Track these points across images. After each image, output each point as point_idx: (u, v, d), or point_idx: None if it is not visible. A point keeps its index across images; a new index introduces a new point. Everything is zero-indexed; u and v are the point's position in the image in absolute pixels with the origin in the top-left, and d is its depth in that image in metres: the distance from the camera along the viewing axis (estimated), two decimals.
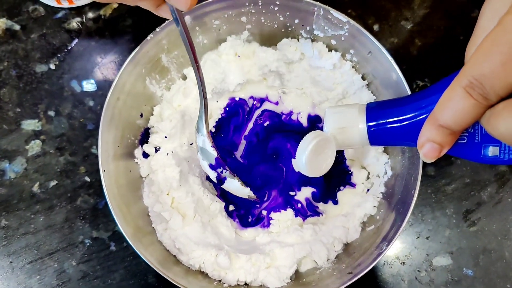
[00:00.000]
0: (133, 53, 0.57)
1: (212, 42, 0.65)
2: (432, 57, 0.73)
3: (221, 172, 0.59)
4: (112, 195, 0.55)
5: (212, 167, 0.59)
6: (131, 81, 0.59)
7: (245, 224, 0.65)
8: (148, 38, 0.58)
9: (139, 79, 0.61)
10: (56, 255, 0.66)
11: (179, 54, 0.64)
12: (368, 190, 0.64)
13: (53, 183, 0.68)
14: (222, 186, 0.61)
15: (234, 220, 0.65)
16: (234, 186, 0.60)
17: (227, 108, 0.68)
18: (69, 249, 0.66)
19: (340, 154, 0.66)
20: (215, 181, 0.60)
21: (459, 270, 0.66)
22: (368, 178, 0.65)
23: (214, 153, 0.58)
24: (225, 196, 0.65)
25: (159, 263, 0.55)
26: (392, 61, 0.56)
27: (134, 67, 0.59)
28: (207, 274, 0.59)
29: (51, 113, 0.70)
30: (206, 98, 0.55)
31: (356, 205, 0.62)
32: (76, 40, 0.72)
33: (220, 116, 0.68)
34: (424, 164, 0.59)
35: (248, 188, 0.61)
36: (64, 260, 0.66)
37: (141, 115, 0.63)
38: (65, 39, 0.72)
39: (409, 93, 0.56)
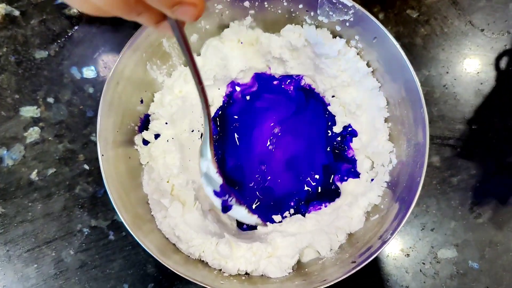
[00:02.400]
0: (133, 37, 0.56)
1: (214, 27, 0.64)
2: (437, 46, 0.71)
3: (227, 200, 0.54)
4: (111, 182, 0.54)
5: (217, 194, 0.54)
6: (131, 66, 0.58)
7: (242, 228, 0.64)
8: None
9: (139, 64, 0.59)
10: (54, 244, 0.65)
11: None
12: (372, 179, 0.63)
13: (51, 170, 0.67)
14: (227, 214, 0.56)
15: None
16: (241, 214, 0.56)
17: (228, 96, 0.66)
18: (67, 237, 0.65)
19: (344, 143, 0.65)
20: (220, 208, 0.55)
21: (465, 262, 0.65)
22: (372, 167, 0.63)
23: (219, 180, 0.53)
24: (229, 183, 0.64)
25: (159, 251, 0.53)
26: (399, 47, 0.55)
27: (134, 51, 0.57)
28: (207, 263, 0.58)
29: (50, 99, 0.69)
30: (211, 121, 0.51)
31: (360, 194, 0.61)
32: (77, 27, 0.71)
33: (221, 104, 0.66)
34: (430, 155, 0.58)
35: (256, 216, 0.57)
36: (62, 249, 0.65)
37: (142, 101, 0.62)
38: (66, 25, 0.71)
39: (416, 80, 0.54)
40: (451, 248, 0.66)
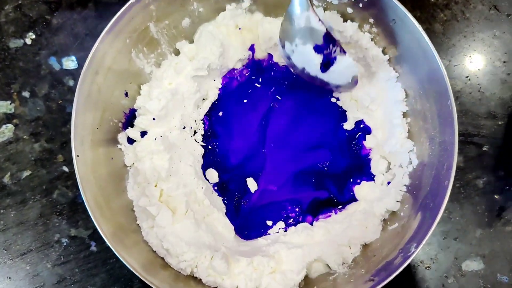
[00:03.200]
0: (114, 19, 0.49)
1: (209, 11, 0.57)
2: (458, 33, 0.64)
3: (331, 51, 0.50)
4: (88, 187, 0.47)
5: (318, 48, 0.50)
6: (112, 54, 0.51)
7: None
8: (133, 0, 0.49)
9: (123, 51, 0.52)
10: (29, 256, 0.58)
11: (171, 25, 0.56)
12: (389, 182, 0.55)
13: (26, 173, 0.60)
14: (325, 73, 0.51)
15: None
16: (345, 64, 0.51)
17: (225, 86, 0.59)
18: (43, 249, 0.59)
19: (357, 140, 0.58)
20: (318, 70, 0.51)
21: (492, 276, 0.58)
22: (389, 168, 0.56)
23: (322, 28, 0.48)
24: (223, 190, 0.57)
25: (143, 267, 0.46)
26: (421, 30, 0.48)
27: (115, 36, 0.50)
28: (200, 280, 0.50)
29: (26, 94, 0.62)
30: None
31: (376, 199, 0.54)
32: (56, 13, 0.64)
33: (216, 98, 0.59)
34: None
35: (357, 69, 0.53)
36: (37, 262, 0.58)
37: (126, 94, 0.55)
38: (44, 11, 0.64)
39: (443, 69, 0.47)
40: (477, 259, 0.59)
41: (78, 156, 0.47)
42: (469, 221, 0.59)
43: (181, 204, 0.53)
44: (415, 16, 0.64)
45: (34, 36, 0.63)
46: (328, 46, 0.49)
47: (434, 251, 0.59)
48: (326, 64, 0.51)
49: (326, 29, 0.48)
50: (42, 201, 0.60)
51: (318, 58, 0.50)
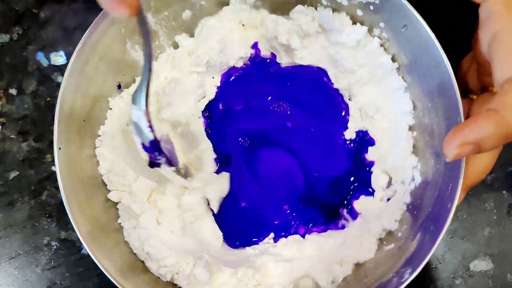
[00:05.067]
0: None
1: (212, 4, 0.54)
2: None
3: (155, 156, 0.47)
4: (67, 180, 0.45)
5: (145, 148, 0.46)
6: (106, 42, 0.48)
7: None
8: None
9: (117, 41, 0.50)
10: (17, 260, 0.57)
11: (170, 16, 0.53)
12: (388, 199, 0.52)
13: (13, 174, 0.58)
14: (152, 168, 0.48)
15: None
16: (169, 173, 0.49)
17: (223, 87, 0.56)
18: (32, 253, 0.57)
19: (357, 151, 0.55)
20: (145, 161, 0.47)
21: (502, 276, 0.56)
22: (389, 184, 0.53)
23: (150, 135, 0.45)
24: None
25: (120, 270, 0.44)
26: (434, 39, 0.44)
27: (110, 24, 0.48)
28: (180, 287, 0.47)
29: (13, 91, 0.60)
30: (152, 60, 0.43)
31: (373, 216, 0.51)
32: (44, 6, 0.61)
33: (214, 96, 0.56)
34: None
35: (183, 179, 0.49)
36: (26, 266, 0.57)
37: (119, 86, 0.53)
38: (31, 4, 0.62)
39: (454, 83, 0.43)
40: (486, 259, 0.57)
41: (60, 148, 0.45)
42: (477, 219, 0.57)
43: (170, 204, 0.50)
44: (432, 19, 0.60)
45: (20, 31, 0.61)
46: (153, 152, 0.46)
47: (440, 251, 0.57)
48: (152, 164, 0.47)
49: (154, 138, 0.45)
50: (31, 202, 0.58)
51: (145, 155, 0.46)
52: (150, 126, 0.44)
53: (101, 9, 0.52)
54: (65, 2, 0.61)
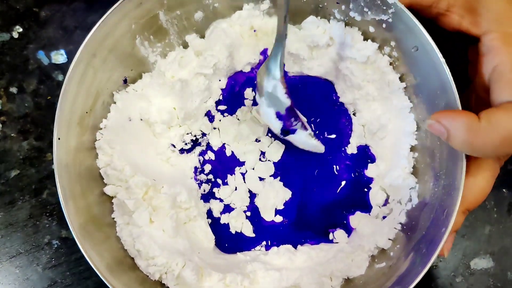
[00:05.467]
0: (121, 0, 0.46)
1: (225, 7, 0.54)
2: None
3: (292, 123, 0.49)
4: (64, 171, 0.45)
5: (280, 116, 0.49)
6: (115, 36, 0.48)
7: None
8: None
9: (126, 36, 0.50)
10: (18, 259, 0.56)
11: (182, 16, 0.53)
12: (384, 217, 0.52)
13: (14, 172, 0.58)
14: (286, 138, 0.51)
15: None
16: (302, 139, 0.51)
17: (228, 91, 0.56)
18: (33, 252, 0.56)
19: (357, 167, 0.54)
20: (278, 132, 0.51)
21: (503, 274, 0.56)
22: (386, 202, 0.53)
23: (287, 101, 0.48)
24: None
25: (108, 266, 0.44)
26: (444, 63, 0.44)
27: (121, 19, 0.48)
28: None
29: (13, 89, 0.60)
30: (287, 25, 0.44)
31: (367, 233, 0.51)
32: (45, 5, 0.61)
33: (218, 98, 0.56)
34: None
35: (318, 141, 0.52)
36: (27, 265, 0.56)
37: (125, 81, 0.52)
38: (31, 3, 0.62)
39: (459, 107, 0.43)
40: (486, 257, 0.57)
41: (59, 139, 0.44)
42: (477, 217, 0.57)
43: (165, 203, 0.50)
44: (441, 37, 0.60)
45: (21, 30, 0.61)
46: (289, 118, 0.49)
47: None
48: (286, 132, 0.50)
49: (291, 104, 0.48)
50: (31, 201, 0.57)
51: (278, 124, 0.50)
52: (287, 93, 0.47)
53: (102, 8, 0.53)
54: (65, 2, 0.61)
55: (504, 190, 0.57)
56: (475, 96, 0.45)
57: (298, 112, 0.50)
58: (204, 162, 0.55)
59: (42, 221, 0.57)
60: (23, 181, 0.58)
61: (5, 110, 0.59)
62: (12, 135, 0.59)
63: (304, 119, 0.52)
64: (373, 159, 0.54)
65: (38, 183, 0.58)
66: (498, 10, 0.42)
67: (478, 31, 0.43)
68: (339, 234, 0.52)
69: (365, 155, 0.55)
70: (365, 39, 0.51)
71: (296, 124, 0.49)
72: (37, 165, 0.58)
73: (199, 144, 0.55)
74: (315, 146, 0.52)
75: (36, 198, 0.57)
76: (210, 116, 0.56)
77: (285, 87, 0.47)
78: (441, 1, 0.44)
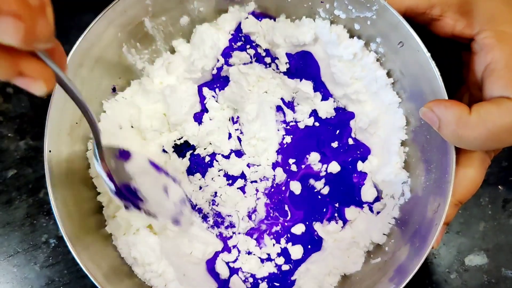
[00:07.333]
0: (105, 10, 0.46)
1: (210, 11, 0.54)
2: None
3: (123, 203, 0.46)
4: (57, 183, 0.44)
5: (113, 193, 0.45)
6: (102, 45, 0.48)
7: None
8: None
9: (113, 45, 0.50)
10: (16, 258, 0.57)
11: (168, 21, 0.53)
12: (378, 212, 0.52)
13: (11, 172, 0.59)
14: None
15: None
16: (139, 216, 0.47)
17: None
18: (31, 250, 0.57)
19: (350, 164, 0.55)
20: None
21: (497, 270, 0.57)
22: (380, 198, 0.53)
23: (111, 185, 0.44)
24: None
25: (104, 274, 0.44)
26: (429, 57, 0.44)
27: (106, 27, 0.48)
28: None
29: (9, 89, 0.60)
30: (95, 122, 0.40)
31: (362, 229, 0.51)
32: None
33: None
34: None
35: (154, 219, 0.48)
36: (25, 264, 0.56)
37: (114, 89, 0.52)
38: None
39: (445, 97, 0.44)
40: (481, 253, 0.57)
41: (50, 151, 0.44)
42: (472, 214, 0.58)
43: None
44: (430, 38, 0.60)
45: None
46: (120, 199, 0.45)
47: None
48: (125, 207, 0.46)
49: (115, 187, 0.44)
50: (29, 200, 0.58)
51: (116, 199, 0.45)
52: (109, 176, 0.43)
53: (96, 9, 0.52)
54: (59, 2, 0.61)
55: (499, 186, 0.58)
56: (469, 95, 0.46)
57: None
58: (196, 165, 0.55)
59: (39, 220, 0.57)
60: (20, 181, 0.58)
61: (1, 110, 0.59)
62: (9, 134, 0.59)
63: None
64: (366, 154, 0.54)
65: (35, 183, 0.58)
66: (490, 9, 0.42)
67: (471, 32, 0.43)
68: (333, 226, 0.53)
69: (358, 151, 0.55)
70: (351, 36, 0.52)
71: (127, 206, 0.45)
72: (34, 165, 0.58)
73: (192, 148, 0.56)
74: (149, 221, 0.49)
75: (33, 198, 0.58)
76: (199, 120, 0.56)
77: (107, 170, 0.43)
78: (435, 7, 0.45)
